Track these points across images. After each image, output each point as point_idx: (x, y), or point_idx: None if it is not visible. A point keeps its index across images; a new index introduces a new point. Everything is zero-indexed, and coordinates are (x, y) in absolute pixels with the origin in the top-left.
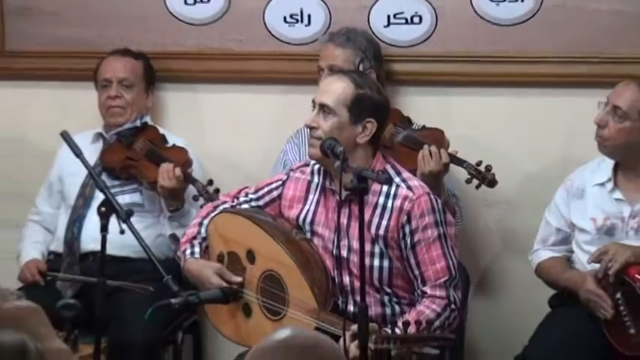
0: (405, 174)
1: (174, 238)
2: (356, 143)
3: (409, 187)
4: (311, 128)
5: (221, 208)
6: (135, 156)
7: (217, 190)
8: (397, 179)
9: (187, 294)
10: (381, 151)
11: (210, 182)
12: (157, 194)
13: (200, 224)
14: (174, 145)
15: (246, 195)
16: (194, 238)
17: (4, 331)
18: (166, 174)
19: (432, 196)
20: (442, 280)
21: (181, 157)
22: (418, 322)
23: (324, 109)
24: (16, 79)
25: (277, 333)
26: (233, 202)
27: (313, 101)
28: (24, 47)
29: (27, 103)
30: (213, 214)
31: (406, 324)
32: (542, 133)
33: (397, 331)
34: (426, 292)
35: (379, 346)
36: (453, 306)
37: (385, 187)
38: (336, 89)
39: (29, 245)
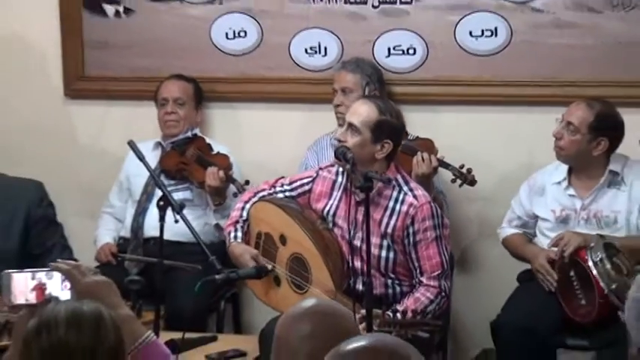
0: (412, 184)
1: (218, 226)
2: (374, 158)
3: (415, 196)
4: (339, 141)
5: (260, 195)
6: (187, 161)
7: None
8: (405, 188)
9: (229, 271)
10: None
11: (247, 182)
12: (204, 192)
13: (242, 208)
14: (218, 152)
15: (282, 185)
16: (237, 222)
17: (84, 301)
18: (212, 175)
19: (432, 205)
20: (436, 273)
21: (224, 162)
22: (414, 311)
23: (351, 127)
24: (93, 98)
25: (304, 302)
26: (271, 190)
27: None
28: (100, 73)
29: (102, 118)
30: (254, 200)
31: (404, 312)
32: (512, 143)
33: (398, 316)
34: (422, 282)
35: (382, 329)
36: (443, 294)
37: (395, 193)
38: (363, 112)
39: (103, 232)
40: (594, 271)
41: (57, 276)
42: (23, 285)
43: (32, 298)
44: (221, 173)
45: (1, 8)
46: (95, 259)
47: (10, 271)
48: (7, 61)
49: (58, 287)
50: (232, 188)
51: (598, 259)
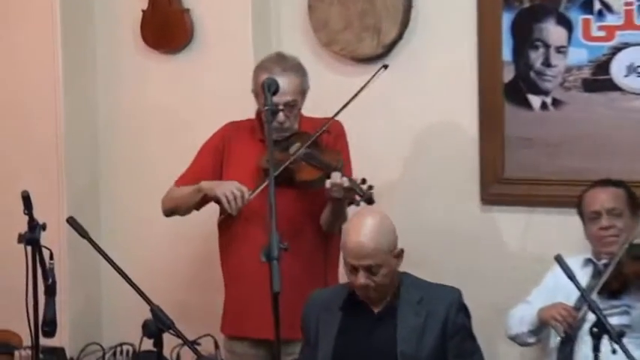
0: None
1: None
2: None
3: None
4: None
5: None
6: (630, 277)
7: None
8: None
9: None
10: None
11: None
12: None
13: None
14: None
15: None
16: None
17: None
18: None
19: None
20: None
21: None
22: None
23: None
24: (513, 204)
25: None
26: None
27: None
28: (521, 175)
29: (522, 226)
30: None
31: None
32: None
33: None
34: None
35: None
36: None
37: None
38: None
39: None
40: None
41: None
42: None
43: None
44: None
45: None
46: None
47: None
48: (427, 171)
49: None
50: None
51: None
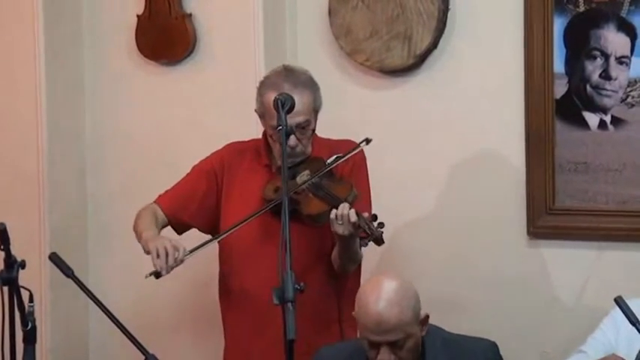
0: None
1: None
2: None
3: None
4: None
5: None
6: None
7: None
8: None
9: None
10: None
11: None
12: None
13: None
14: None
15: None
16: None
17: None
18: None
19: None
20: None
21: None
22: None
23: None
24: (563, 238)
25: None
26: None
27: None
28: (575, 205)
29: (577, 265)
30: None
31: None
32: None
33: None
34: None
35: None
36: None
37: None
38: None
39: None
40: None
41: None
42: None
43: None
44: None
45: None
46: None
47: None
48: (465, 202)
49: None
50: None
51: None
